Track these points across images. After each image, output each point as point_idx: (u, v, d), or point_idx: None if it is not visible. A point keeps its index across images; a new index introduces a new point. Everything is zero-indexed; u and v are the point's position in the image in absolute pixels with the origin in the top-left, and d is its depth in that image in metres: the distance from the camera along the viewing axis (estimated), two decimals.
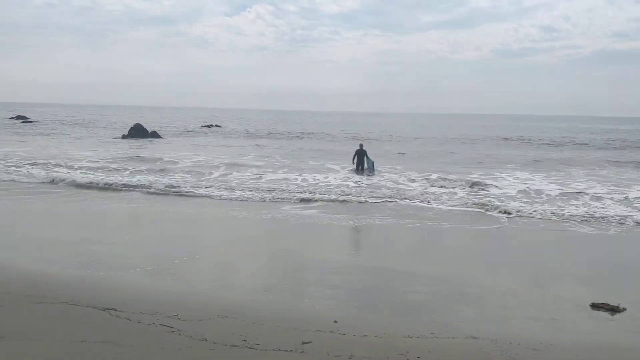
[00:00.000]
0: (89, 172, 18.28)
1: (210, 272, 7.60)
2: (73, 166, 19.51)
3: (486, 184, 16.45)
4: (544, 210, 12.53)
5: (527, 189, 15.87)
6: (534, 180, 17.94)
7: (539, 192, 15.28)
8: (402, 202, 13.70)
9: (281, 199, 13.90)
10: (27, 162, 20.15)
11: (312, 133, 46.74)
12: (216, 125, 57.63)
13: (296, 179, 17.57)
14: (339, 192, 14.69)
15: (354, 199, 13.94)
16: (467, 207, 13.15)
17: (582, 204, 13.65)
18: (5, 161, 20.25)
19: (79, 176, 16.97)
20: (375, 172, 19.77)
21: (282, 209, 12.55)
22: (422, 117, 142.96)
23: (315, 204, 13.33)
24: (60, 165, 19.57)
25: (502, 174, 19.41)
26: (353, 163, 20.65)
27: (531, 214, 12.28)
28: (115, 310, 5.53)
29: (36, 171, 18.00)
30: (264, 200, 13.70)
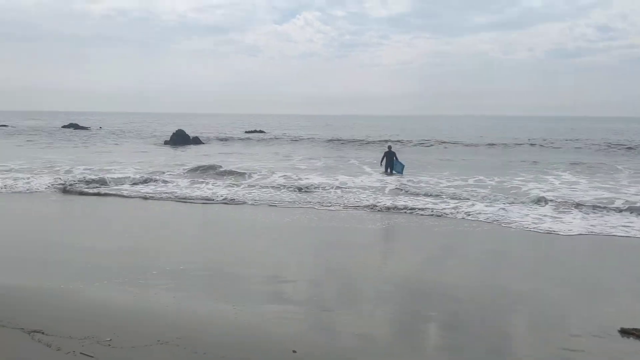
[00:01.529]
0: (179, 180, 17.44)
1: (183, 288, 6.94)
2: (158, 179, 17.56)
3: None
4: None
5: None
6: None
7: None
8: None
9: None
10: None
11: (357, 140, 45.84)
12: (260, 131, 57.74)
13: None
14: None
15: None
16: None
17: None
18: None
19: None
20: (404, 175, 19.08)
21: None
22: (476, 119, 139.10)
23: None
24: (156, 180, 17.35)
25: None
26: (381, 165, 20.06)
27: None
28: (42, 333, 4.96)
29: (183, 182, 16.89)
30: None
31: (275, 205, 13.39)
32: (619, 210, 12.16)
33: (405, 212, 12.36)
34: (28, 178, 17.11)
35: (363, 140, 39.97)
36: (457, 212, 12.17)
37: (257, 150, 33.88)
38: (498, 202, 13.17)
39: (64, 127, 60.00)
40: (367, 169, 21.47)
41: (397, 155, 20.52)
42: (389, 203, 13.39)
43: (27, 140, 41.40)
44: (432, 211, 12.35)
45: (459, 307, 6.17)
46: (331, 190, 15.17)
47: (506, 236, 10.25)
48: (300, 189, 15.22)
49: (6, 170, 19.30)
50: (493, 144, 37.54)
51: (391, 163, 20.07)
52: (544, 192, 14.81)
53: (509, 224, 11.08)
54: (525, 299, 6.53)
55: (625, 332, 5.66)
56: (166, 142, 40.34)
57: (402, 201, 13.60)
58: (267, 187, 15.63)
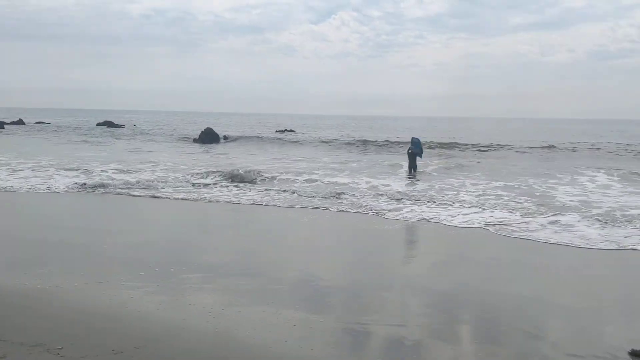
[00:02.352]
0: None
1: (159, 291, 6.65)
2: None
3: None
4: None
5: None
6: None
7: None
8: None
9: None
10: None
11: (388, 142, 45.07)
12: (290, 130, 57.69)
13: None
14: None
15: None
16: None
17: None
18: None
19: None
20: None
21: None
22: (515, 121, 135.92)
23: None
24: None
25: None
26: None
27: None
28: None
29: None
30: None
31: (295, 207, 13.03)
32: None
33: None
34: (51, 177, 17.27)
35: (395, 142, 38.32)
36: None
37: (285, 150, 33.63)
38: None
39: (98, 124, 61.16)
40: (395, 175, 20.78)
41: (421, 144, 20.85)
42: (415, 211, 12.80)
43: (59, 137, 42.37)
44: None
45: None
46: (361, 196, 14.19)
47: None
48: (334, 195, 14.29)
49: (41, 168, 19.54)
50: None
51: (414, 164, 19.97)
52: None
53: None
54: (523, 314, 6.01)
55: (635, 355, 5.15)
56: (195, 141, 40.73)
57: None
58: (287, 190, 15.00)
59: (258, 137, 46.69)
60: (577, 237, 9.78)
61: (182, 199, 13.97)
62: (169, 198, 14.05)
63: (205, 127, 44.53)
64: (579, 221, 11.01)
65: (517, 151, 31.72)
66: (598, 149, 33.87)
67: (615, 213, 11.97)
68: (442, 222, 11.18)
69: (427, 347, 5.07)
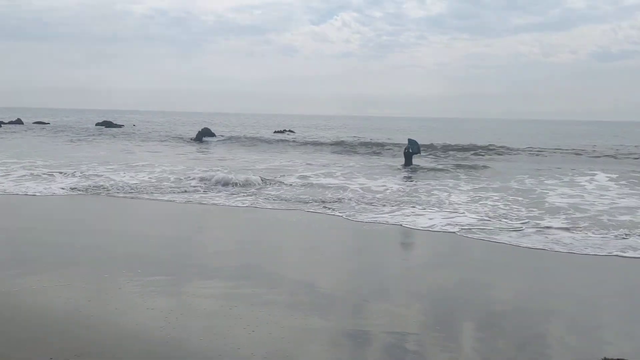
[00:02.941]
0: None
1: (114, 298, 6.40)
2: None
3: None
4: None
5: None
6: None
7: None
8: None
9: None
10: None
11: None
12: (290, 131, 57.35)
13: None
14: None
15: None
16: None
17: None
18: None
19: None
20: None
21: None
22: (519, 123, 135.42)
23: None
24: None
25: None
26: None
27: None
28: None
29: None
30: None
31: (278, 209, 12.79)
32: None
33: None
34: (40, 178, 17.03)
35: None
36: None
37: (281, 151, 33.38)
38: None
39: (97, 124, 60.96)
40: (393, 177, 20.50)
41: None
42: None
43: (54, 137, 42.20)
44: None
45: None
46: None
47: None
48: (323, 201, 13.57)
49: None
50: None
51: (410, 162, 21.32)
52: None
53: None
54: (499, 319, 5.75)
55: None
56: (192, 140, 40.66)
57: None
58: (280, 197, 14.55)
59: (256, 136, 46.48)
60: (550, 241, 9.52)
61: (168, 200, 13.73)
62: (150, 199, 13.80)
63: (203, 127, 44.47)
64: (559, 225, 10.75)
65: (530, 153, 31.19)
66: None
67: (602, 217, 11.64)
68: (407, 225, 10.84)
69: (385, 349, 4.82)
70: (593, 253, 8.75)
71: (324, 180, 17.45)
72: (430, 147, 32.14)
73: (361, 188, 15.76)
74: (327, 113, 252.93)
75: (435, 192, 15.14)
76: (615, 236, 9.88)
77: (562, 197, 14.47)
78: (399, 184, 16.86)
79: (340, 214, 11.85)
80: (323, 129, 67.67)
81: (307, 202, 13.29)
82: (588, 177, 18.92)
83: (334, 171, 20.13)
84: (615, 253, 8.75)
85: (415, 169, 20.87)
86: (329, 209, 12.47)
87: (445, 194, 14.82)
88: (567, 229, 10.36)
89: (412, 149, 21.56)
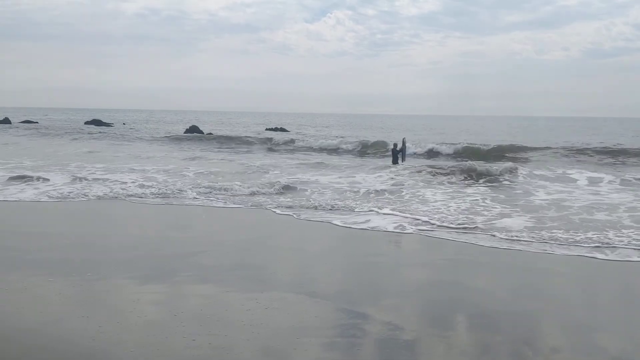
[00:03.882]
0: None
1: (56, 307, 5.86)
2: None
3: None
4: None
5: None
6: None
7: None
8: None
9: None
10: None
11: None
12: (281, 129, 56.47)
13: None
14: None
15: None
16: None
17: None
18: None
19: None
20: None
21: None
22: (514, 119, 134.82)
23: None
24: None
25: None
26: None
27: None
28: None
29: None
30: None
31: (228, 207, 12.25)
32: None
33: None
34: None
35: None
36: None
37: (266, 148, 32.79)
38: None
39: (86, 123, 60.20)
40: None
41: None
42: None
43: (40, 136, 41.46)
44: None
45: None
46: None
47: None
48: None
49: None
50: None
51: (397, 159, 20.65)
52: None
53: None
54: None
55: None
56: (179, 138, 40.03)
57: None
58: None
59: (247, 135, 45.67)
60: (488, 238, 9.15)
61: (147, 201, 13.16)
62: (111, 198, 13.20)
63: (191, 125, 43.97)
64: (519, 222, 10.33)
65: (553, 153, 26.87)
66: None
67: (573, 217, 10.97)
68: (339, 223, 10.35)
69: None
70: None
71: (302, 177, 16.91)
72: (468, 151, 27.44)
73: (322, 185, 15.34)
74: (322, 111, 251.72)
75: (406, 191, 14.35)
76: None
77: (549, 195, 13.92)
78: (370, 182, 16.09)
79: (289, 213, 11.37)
80: (318, 127, 66.83)
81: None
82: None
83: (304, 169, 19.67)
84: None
85: (405, 168, 19.74)
86: (280, 206, 12.00)
87: (419, 193, 14.01)
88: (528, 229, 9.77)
89: (400, 147, 20.91)
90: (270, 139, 34.79)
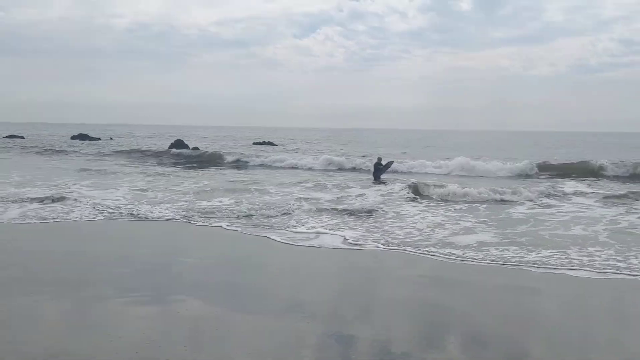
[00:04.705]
0: None
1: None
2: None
3: None
4: None
5: None
6: None
7: None
8: None
9: None
10: None
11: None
12: (269, 143, 56.24)
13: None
14: None
15: None
16: None
17: None
18: None
19: None
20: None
21: None
22: (504, 134, 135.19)
23: None
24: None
25: None
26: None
27: None
28: None
29: None
30: None
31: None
32: None
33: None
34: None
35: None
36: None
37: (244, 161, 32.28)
38: None
39: (73, 137, 59.55)
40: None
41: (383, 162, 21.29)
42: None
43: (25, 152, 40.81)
44: None
45: None
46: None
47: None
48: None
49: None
50: None
51: (377, 172, 20.61)
52: None
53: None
54: None
55: None
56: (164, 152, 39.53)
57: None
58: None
59: (234, 150, 45.25)
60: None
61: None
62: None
63: (176, 139, 43.49)
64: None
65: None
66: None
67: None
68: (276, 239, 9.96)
69: None
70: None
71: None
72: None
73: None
74: (312, 126, 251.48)
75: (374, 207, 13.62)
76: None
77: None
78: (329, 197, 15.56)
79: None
80: (306, 142, 66.61)
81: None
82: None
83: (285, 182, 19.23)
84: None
85: (384, 183, 19.26)
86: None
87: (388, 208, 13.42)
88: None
89: (382, 163, 21.02)
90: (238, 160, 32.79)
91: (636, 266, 7.98)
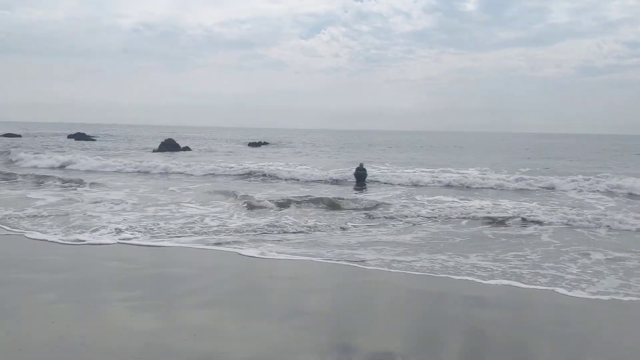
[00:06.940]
0: None
1: None
2: None
3: None
4: None
5: None
6: None
7: None
8: None
9: None
10: None
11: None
12: (264, 143, 56.02)
13: None
14: None
15: None
16: None
17: None
18: None
19: None
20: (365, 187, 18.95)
21: None
22: (511, 136, 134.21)
23: None
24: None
25: None
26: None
27: None
28: None
29: None
30: None
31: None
32: None
33: None
34: None
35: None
36: None
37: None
38: None
39: (69, 136, 59.53)
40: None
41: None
42: None
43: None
44: None
45: None
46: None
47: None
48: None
49: None
50: None
51: (360, 179, 20.35)
52: None
53: None
54: None
55: None
56: (154, 151, 39.41)
57: None
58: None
59: (232, 148, 45.10)
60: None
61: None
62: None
63: (166, 138, 43.40)
64: None
65: None
66: None
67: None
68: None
69: None
70: None
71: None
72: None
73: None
74: (317, 127, 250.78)
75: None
76: None
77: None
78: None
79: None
80: (300, 142, 66.26)
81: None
82: None
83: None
84: None
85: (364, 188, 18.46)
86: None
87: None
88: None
89: (362, 170, 20.26)
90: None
91: None
